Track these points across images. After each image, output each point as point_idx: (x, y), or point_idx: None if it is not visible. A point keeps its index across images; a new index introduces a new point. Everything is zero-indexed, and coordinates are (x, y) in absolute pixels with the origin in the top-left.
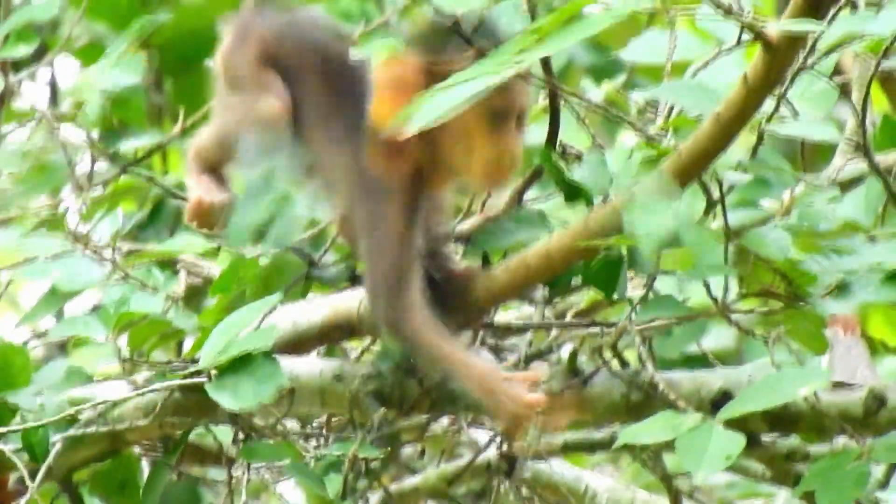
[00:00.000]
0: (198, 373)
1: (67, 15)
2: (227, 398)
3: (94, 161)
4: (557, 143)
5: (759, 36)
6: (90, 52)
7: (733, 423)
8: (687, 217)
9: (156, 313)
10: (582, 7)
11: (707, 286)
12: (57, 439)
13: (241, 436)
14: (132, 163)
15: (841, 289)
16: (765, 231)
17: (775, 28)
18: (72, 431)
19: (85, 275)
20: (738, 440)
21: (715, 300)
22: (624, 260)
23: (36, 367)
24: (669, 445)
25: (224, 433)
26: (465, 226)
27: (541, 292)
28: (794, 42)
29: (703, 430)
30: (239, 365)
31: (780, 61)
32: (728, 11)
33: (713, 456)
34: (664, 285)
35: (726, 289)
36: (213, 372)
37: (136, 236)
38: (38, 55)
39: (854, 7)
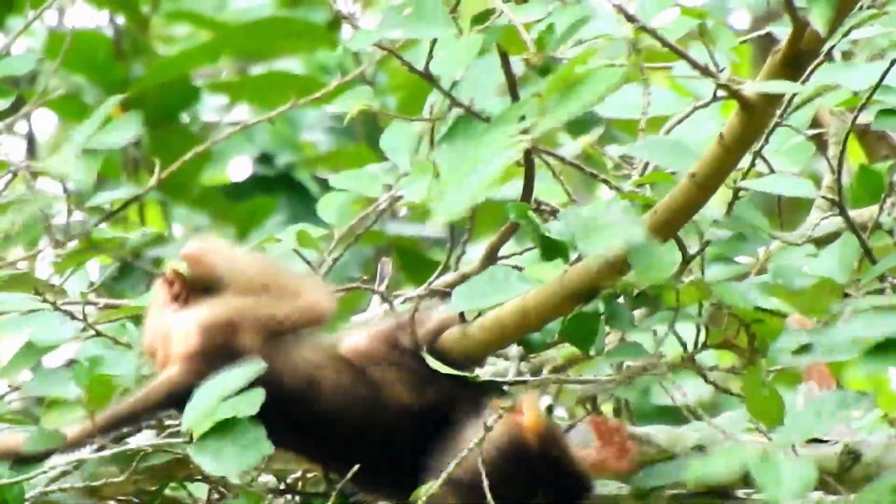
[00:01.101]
0: (177, 431)
1: (44, 66)
2: (209, 463)
3: (70, 213)
4: (532, 199)
5: (735, 96)
6: (67, 105)
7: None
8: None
9: (128, 374)
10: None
11: (676, 334)
12: (32, 495)
13: (215, 495)
14: (108, 215)
15: (804, 348)
16: (733, 284)
17: (752, 88)
18: (43, 488)
19: (57, 331)
20: (811, 467)
21: (684, 348)
22: (601, 315)
23: (13, 421)
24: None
25: (199, 487)
26: (442, 281)
27: (516, 348)
28: (771, 101)
29: (772, 459)
30: (222, 429)
31: (756, 121)
32: (705, 72)
33: (790, 482)
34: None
35: (697, 342)
36: (195, 433)
37: (111, 289)
38: (15, 107)
39: (830, 61)
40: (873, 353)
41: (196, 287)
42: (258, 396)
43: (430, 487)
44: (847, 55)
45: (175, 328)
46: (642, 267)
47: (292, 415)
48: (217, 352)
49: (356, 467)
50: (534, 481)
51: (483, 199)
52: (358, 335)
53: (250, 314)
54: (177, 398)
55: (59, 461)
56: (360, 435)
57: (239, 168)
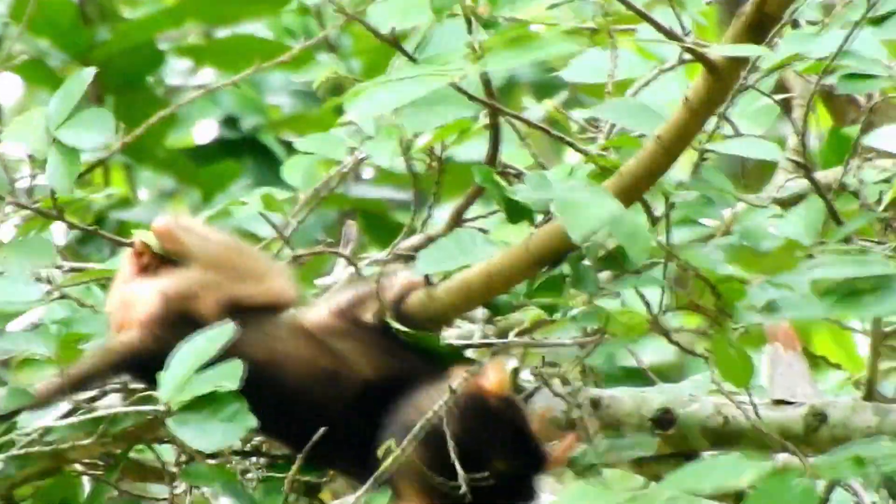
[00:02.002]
0: (148, 397)
1: (9, 31)
2: (193, 437)
3: (34, 176)
4: (498, 163)
5: (701, 59)
6: (32, 69)
7: (675, 440)
8: (620, 212)
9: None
10: (526, 28)
11: (642, 296)
12: None
13: (183, 457)
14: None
15: (770, 306)
16: (698, 246)
17: (717, 52)
18: (13, 451)
19: (23, 294)
20: None
21: (649, 310)
22: (567, 278)
23: None
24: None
25: (166, 450)
26: (407, 244)
27: (481, 311)
28: (737, 64)
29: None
30: (202, 401)
31: (722, 84)
32: (670, 35)
33: None
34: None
35: (662, 304)
36: (174, 406)
37: (77, 252)
38: None
39: (795, 25)
40: (834, 297)
41: (164, 260)
42: (238, 369)
43: (395, 446)
44: (813, 23)
45: (137, 295)
46: (626, 239)
47: (253, 388)
48: (176, 320)
49: (320, 432)
50: (490, 447)
51: (391, 111)
52: (319, 309)
53: (213, 287)
54: (133, 363)
55: (26, 429)
56: (321, 409)
57: (204, 131)
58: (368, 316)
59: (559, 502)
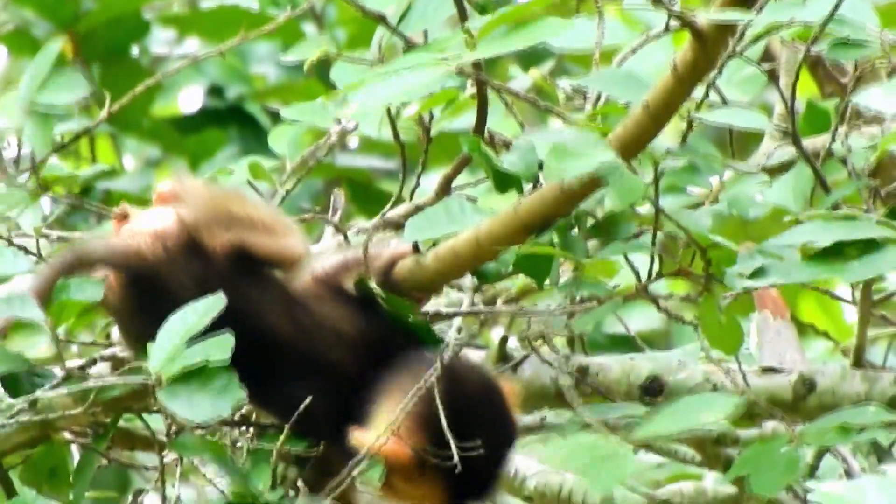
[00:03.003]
0: (138, 368)
1: None
2: (183, 409)
3: (20, 147)
4: (485, 132)
5: (688, 26)
6: (17, 39)
7: None
8: (612, 161)
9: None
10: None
11: (631, 263)
12: None
13: (173, 428)
14: (58, 148)
15: (759, 271)
16: (686, 212)
17: (705, 18)
18: (3, 420)
19: (10, 265)
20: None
21: (638, 278)
22: (555, 246)
23: None
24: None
25: (155, 419)
26: (395, 213)
27: (469, 279)
28: (724, 31)
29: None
30: (192, 373)
31: (709, 51)
32: (657, 2)
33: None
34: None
35: (651, 271)
36: (164, 378)
37: (64, 223)
38: None
39: None
40: (822, 261)
41: None
42: (228, 341)
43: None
44: None
45: (152, 215)
46: (618, 190)
47: (239, 347)
48: (188, 244)
49: (307, 401)
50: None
51: (397, 105)
52: (304, 274)
53: (226, 227)
54: (132, 267)
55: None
56: (305, 375)
57: (189, 100)
58: (349, 283)
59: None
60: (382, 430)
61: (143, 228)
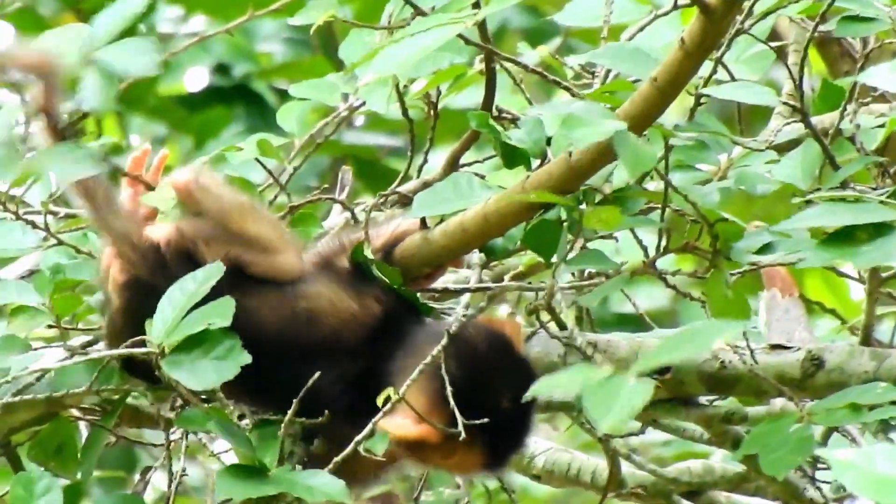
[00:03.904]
0: (141, 342)
1: None
2: (186, 376)
3: (28, 124)
4: (493, 108)
5: (696, 1)
6: (23, 17)
7: (671, 385)
8: (622, 131)
9: (90, 280)
10: None
11: (639, 240)
12: None
13: (178, 402)
14: (66, 125)
15: (767, 247)
16: (695, 187)
17: None
18: (8, 398)
19: (17, 241)
20: (645, 391)
21: (646, 254)
22: (562, 222)
23: None
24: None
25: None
26: (404, 189)
27: (477, 255)
28: (732, 6)
29: (613, 383)
30: (193, 340)
31: (717, 26)
32: None
33: (620, 408)
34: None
35: (659, 247)
36: (167, 347)
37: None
38: None
39: None
40: (828, 244)
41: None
42: (229, 305)
43: (397, 391)
44: None
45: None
46: (629, 158)
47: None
48: (182, 254)
49: (316, 375)
50: (498, 386)
51: (404, 78)
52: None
53: (222, 243)
54: (145, 254)
55: (23, 373)
56: (309, 359)
57: (195, 78)
58: (343, 261)
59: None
60: (404, 415)
61: (150, 231)
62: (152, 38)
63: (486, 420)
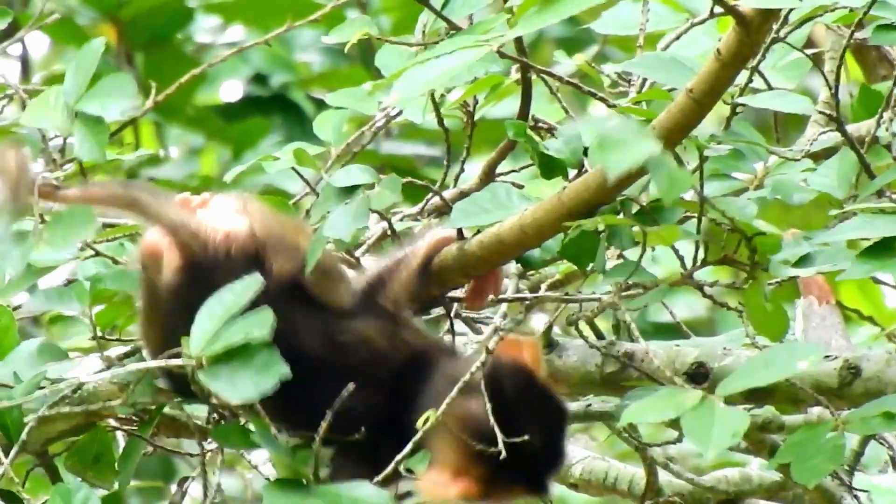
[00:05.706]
0: (177, 353)
1: None
2: (225, 389)
3: (66, 135)
4: (530, 117)
5: (732, 11)
6: (61, 27)
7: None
8: (657, 152)
9: (129, 291)
10: None
11: (676, 251)
12: (31, 418)
13: (215, 416)
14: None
15: (805, 258)
16: (731, 199)
17: (748, 3)
18: (45, 411)
19: (54, 252)
20: (743, 417)
21: (683, 265)
22: (600, 233)
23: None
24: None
25: (198, 407)
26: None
27: (515, 265)
28: (768, 16)
29: (705, 408)
30: (232, 352)
31: (753, 37)
32: None
33: (720, 434)
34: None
35: (696, 258)
36: (206, 358)
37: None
38: (10, 31)
39: None
40: (868, 256)
41: None
42: (268, 318)
43: (432, 415)
44: None
45: (225, 214)
46: (663, 182)
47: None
48: (251, 256)
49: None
50: (526, 419)
51: (440, 89)
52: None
53: (290, 256)
54: (193, 257)
55: (59, 385)
56: (337, 382)
57: (232, 89)
58: (388, 298)
59: None
60: (440, 472)
61: (216, 222)
62: (127, 75)
63: (521, 467)
